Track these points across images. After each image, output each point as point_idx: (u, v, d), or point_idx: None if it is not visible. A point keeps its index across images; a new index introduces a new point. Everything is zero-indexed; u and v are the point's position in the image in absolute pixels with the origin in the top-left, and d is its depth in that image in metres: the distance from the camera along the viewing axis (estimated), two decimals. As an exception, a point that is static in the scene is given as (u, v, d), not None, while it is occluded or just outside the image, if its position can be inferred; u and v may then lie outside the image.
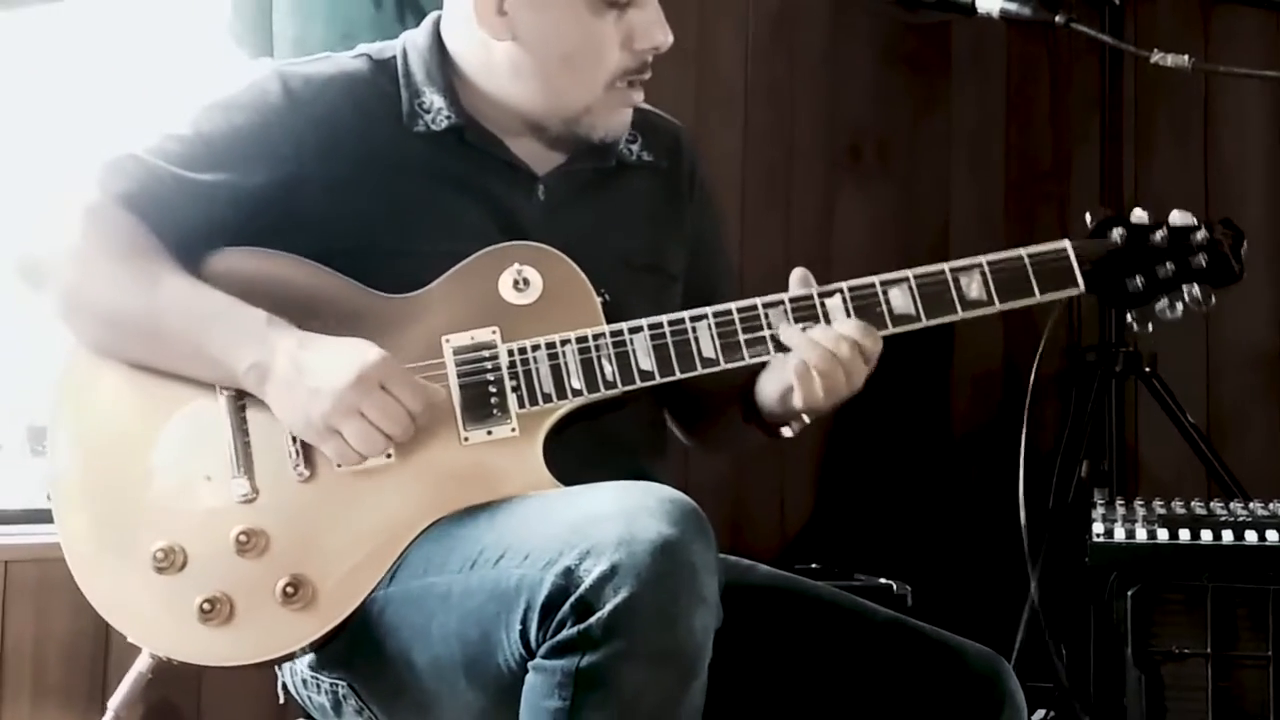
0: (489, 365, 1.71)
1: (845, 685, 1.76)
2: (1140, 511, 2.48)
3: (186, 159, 1.75)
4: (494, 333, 1.73)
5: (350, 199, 1.77)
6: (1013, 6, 1.90)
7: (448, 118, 1.82)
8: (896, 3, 1.99)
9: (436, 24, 1.87)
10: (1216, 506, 2.49)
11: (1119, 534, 2.44)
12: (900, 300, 1.76)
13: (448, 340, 1.72)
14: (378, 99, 1.82)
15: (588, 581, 1.42)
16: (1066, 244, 1.78)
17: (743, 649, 1.75)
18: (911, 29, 3.56)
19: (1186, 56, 1.82)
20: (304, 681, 1.78)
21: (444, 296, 1.75)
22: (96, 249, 1.69)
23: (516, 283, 1.74)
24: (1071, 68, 3.61)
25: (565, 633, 1.43)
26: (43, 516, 2.58)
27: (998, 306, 1.76)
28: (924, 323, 1.76)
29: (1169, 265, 1.79)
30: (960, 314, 1.76)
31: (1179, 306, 1.80)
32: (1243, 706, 2.44)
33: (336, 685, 1.73)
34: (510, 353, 1.72)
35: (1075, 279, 1.77)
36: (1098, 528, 2.46)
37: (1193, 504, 2.50)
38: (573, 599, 1.43)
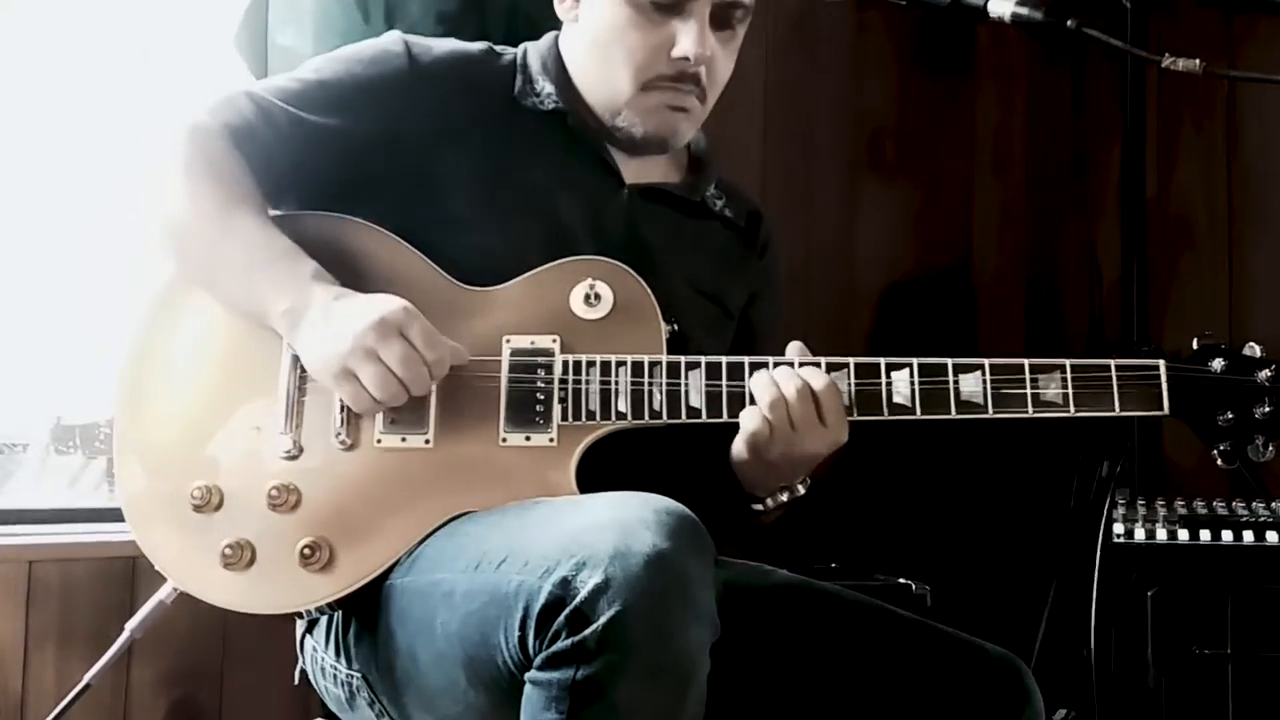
0: (542, 373, 1.73)
1: (867, 685, 1.76)
2: (1161, 512, 2.48)
3: (302, 99, 1.82)
4: (554, 341, 1.74)
5: (445, 164, 1.82)
6: (1024, 11, 1.89)
7: (555, 102, 1.89)
8: (912, 6, 1.98)
9: (557, 34, 1.95)
10: (1237, 506, 2.49)
11: (1139, 534, 2.44)
12: (970, 387, 1.73)
13: (508, 340, 1.75)
14: (492, 77, 1.90)
15: (583, 593, 1.42)
16: (1161, 364, 1.73)
17: (763, 649, 1.75)
18: (932, 29, 3.56)
19: (1197, 61, 1.80)
20: (322, 670, 1.81)
21: (516, 297, 1.77)
22: (188, 164, 1.75)
23: (588, 297, 1.76)
24: (1097, 69, 3.61)
25: (561, 644, 1.43)
26: (65, 517, 2.61)
27: (1071, 413, 1.72)
28: (989, 414, 1.73)
29: (1266, 407, 1.72)
30: (1030, 413, 1.73)
31: (1271, 448, 1.73)
32: (1264, 707, 2.44)
33: (351, 677, 1.75)
34: (565, 364, 1.73)
35: (1162, 402, 1.72)
36: (1118, 528, 2.46)
37: (1214, 504, 2.49)
38: (568, 610, 1.42)
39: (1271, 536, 2.39)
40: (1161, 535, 2.43)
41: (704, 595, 1.47)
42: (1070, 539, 2.80)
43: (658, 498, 1.53)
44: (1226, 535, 2.41)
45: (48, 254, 2.67)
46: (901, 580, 2.66)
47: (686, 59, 1.82)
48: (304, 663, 1.87)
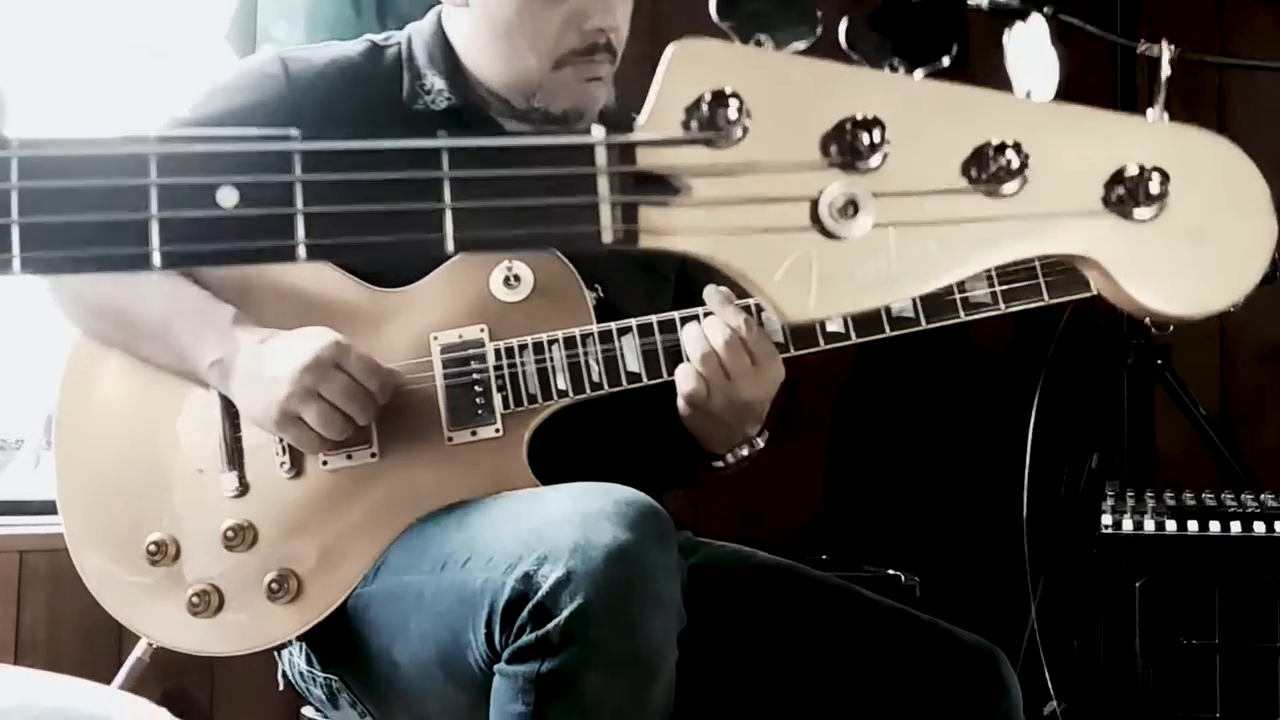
0: (475, 365, 1.71)
1: (842, 670, 1.76)
2: (1150, 503, 2.47)
3: None
4: (482, 330, 1.72)
5: None
6: (1001, -1, 1.90)
7: (447, 99, 1.81)
8: (899, -2, 1.98)
9: (440, 12, 1.88)
10: (1226, 498, 2.48)
11: (1127, 525, 2.44)
12: (900, 302, 1.72)
13: (436, 338, 1.72)
14: (379, 81, 1.83)
15: (545, 587, 1.42)
16: None
17: (740, 631, 1.76)
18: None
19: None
20: (301, 674, 1.80)
21: (436, 292, 1.74)
22: None
23: (507, 279, 1.72)
24: (1087, 56, 3.60)
25: (525, 638, 1.44)
26: (57, 509, 2.61)
27: (1003, 309, 1.72)
28: (924, 325, 1.72)
29: None
30: (963, 317, 1.72)
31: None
32: (1252, 697, 2.44)
33: (330, 680, 1.74)
34: (497, 352, 1.71)
35: (1087, 281, 1.70)
36: (1107, 519, 2.45)
37: (1203, 495, 2.49)
38: (531, 605, 1.43)
39: (1259, 527, 2.39)
40: (1150, 526, 2.42)
41: (667, 585, 1.47)
42: (1060, 531, 2.80)
43: (619, 488, 1.54)
44: (1215, 526, 2.40)
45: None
46: (891, 571, 2.67)
47: (600, 31, 1.75)
48: (283, 666, 1.86)
